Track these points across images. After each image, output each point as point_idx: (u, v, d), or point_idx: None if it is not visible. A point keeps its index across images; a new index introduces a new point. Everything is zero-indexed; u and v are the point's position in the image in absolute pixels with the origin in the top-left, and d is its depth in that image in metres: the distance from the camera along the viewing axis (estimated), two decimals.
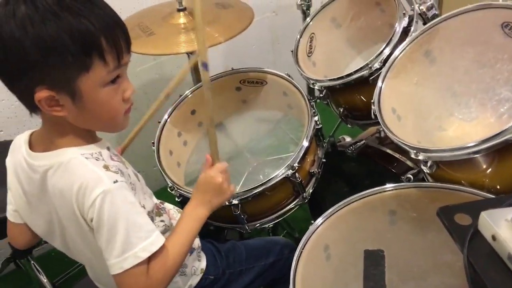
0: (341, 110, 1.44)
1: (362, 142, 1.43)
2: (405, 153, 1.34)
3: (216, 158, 1.07)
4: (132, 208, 0.83)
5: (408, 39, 1.18)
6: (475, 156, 0.94)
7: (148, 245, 0.82)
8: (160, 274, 0.85)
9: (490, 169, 0.99)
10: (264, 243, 1.30)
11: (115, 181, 0.81)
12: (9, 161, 0.94)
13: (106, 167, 0.83)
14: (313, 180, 1.33)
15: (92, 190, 0.79)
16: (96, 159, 0.84)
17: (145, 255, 0.82)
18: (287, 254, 1.25)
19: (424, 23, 1.27)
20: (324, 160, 1.35)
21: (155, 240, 0.84)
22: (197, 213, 0.97)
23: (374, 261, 0.96)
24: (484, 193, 0.95)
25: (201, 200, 1.00)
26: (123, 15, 1.54)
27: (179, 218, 0.99)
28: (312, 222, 1.02)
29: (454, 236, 0.76)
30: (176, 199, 1.27)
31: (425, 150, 0.98)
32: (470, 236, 0.74)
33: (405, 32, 1.26)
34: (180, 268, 1.01)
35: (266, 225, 1.32)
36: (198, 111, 1.52)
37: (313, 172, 1.30)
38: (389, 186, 1.06)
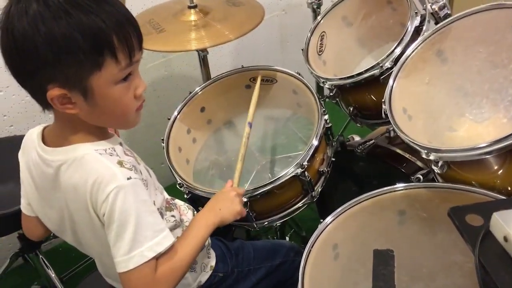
0: (351, 109, 1.43)
1: (371, 142, 1.43)
2: (415, 153, 1.35)
3: (238, 179, 1.18)
4: (143, 206, 0.83)
5: (420, 38, 1.18)
6: (487, 156, 0.93)
7: (154, 245, 0.82)
8: (166, 276, 0.85)
9: (501, 170, 0.98)
10: (270, 244, 1.32)
11: (129, 178, 0.81)
12: (21, 155, 0.95)
13: (120, 163, 0.83)
14: (322, 179, 1.33)
15: (106, 185, 0.79)
16: (110, 155, 0.84)
17: (151, 254, 0.82)
18: (293, 256, 1.27)
19: (436, 23, 1.26)
20: (333, 159, 1.35)
21: (162, 241, 0.84)
22: (206, 219, 1.00)
23: (383, 261, 0.96)
24: (495, 194, 0.94)
25: (211, 207, 1.04)
26: (133, 12, 1.56)
27: (190, 222, 1.02)
28: (322, 220, 1.02)
29: (465, 236, 0.76)
30: (185, 196, 1.27)
31: (436, 150, 0.97)
32: (481, 237, 0.73)
33: (417, 31, 1.25)
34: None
35: (274, 224, 1.32)
36: (208, 109, 1.52)
37: (322, 171, 1.30)
38: (399, 186, 1.05)
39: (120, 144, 0.91)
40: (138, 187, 0.83)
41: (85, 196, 0.82)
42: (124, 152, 0.89)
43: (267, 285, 1.25)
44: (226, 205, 1.05)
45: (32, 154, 0.90)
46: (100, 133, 0.88)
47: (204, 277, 1.11)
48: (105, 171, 0.81)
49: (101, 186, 0.80)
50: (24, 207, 1.00)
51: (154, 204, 0.91)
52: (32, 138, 0.91)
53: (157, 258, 0.84)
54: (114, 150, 0.86)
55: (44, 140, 0.89)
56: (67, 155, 0.84)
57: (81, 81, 0.77)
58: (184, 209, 1.12)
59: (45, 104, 0.81)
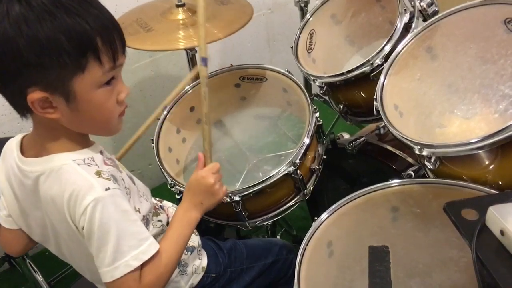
0: (341, 107, 1.44)
1: (362, 139, 1.43)
2: (405, 149, 1.35)
3: (209, 157, 1.07)
4: (124, 216, 0.81)
5: (410, 35, 1.18)
6: (479, 152, 0.94)
7: (140, 253, 0.82)
8: (153, 281, 0.84)
9: (493, 165, 0.99)
10: (263, 243, 1.31)
11: (107, 189, 0.80)
12: (0, 166, 0.92)
13: (98, 173, 0.81)
14: (314, 176, 1.32)
15: (83, 197, 0.78)
16: (88, 165, 0.82)
17: (137, 263, 0.81)
18: (286, 255, 1.26)
19: (424, 20, 1.27)
20: (324, 157, 1.35)
21: (147, 249, 0.83)
22: (188, 217, 0.97)
23: (378, 257, 0.96)
24: (488, 189, 0.95)
25: (192, 202, 1.00)
26: (120, 10, 1.54)
27: (171, 221, 0.98)
28: (316, 218, 1.02)
29: (461, 231, 0.76)
30: (176, 196, 1.25)
31: (429, 146, 0.97)
32: (477, 231, 0.74)
33: (406, 28, 1.25)
34: (176, 272, 1.01)
35: (267, 223, 1.31)
36: (197, 108, 1.50)
37: (314, 168, 1.30)
38: (391, 182, 1.06)
39: (101, 152, 0.89)
40: (117, 197, 0.81)
41: (63, 208, 0.80)
42: (103, 161, 0.87)
43: (261, 284, 1.25)
44: (207, 198, 1.01)
45: (11, 164, 0.88)
46: (80, 141, 0.86)
47: (196, 279, 1.10)
48: (82, 183, 0.79)
49: (78, 198, 0.78)
50: (3, 220, 0.97)
51: (139, 211, 0.90)
52: (11, 148, 0.89)
53: (142, 265, 0.83)
54: (93, 160, 0.84)
55: (23, 149, 0.87)
56: (45, 166, 0.82)
57: (64, 84, 0.75)
58: (173, 211, 1.10)
59: (24, 109, 0.79)
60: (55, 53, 0.72)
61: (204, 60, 1.01)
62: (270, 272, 1.24)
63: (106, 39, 0.76)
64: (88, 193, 0.78)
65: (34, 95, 0.74)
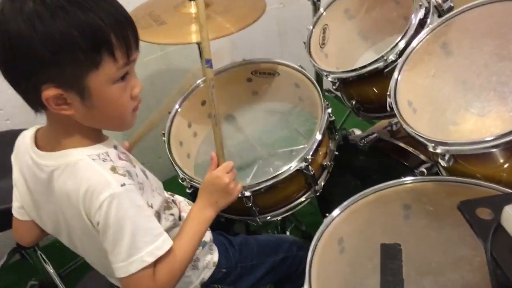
0: (353, 102, 1.42)
1: (374, 135, 1.42)
2: (418, 146, 1.34)
3: (221, 156, 1.08)
4: (139, 212, 0.82)
5: (425, 31, 1.17)
6: (494, 150, 0.93)
7: (155, 249, 0.82)
8: (166, 277, 0.85)
9: (507, 164, 0.98)
10: (273, 239, 1.31)
11: (123, 184, 0.80)
12: (14, 158, 0.93)
13: (113, 169, 0.81)
14: (325, 172, 1.32)
15: (99, 193, 0.78)
16: (103, 160, 0.82)
17: (151, 259, 0.81)
18: (296, 251, 1.26)
19: (439, 16, 1.26)
20: (336, 153, 1.34)
21: (162, 245, 0.83)
22: (204, 215, 0.98)
23: (391, 255, 0.95)
24: (502, 188, 0.93)
25: (208, 201, 1.00)
26: (133, 3, 1.54)
27: (186, 219, 0.99)
28: (327, 215, 1.01)
29: (476, 230, 0.75)
30: (187, 190, 1.26)
31: (443, 144, 0.96)
32: (492, 230, 0.73)
33: (421, 24, 1.24)
34: (188, 267, 1.01)
35: (276, 218, 1.31)
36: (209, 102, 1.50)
37: (326, 164, 1.29)
38: (404, 179, 1.04)
39: (115, 147, 0.89)
40: (132, 193, 0.81)
41: (78, 204, 0.80)
42: (118, 156, 0.87)
43: (271, 280, 1.25)
44: (223, 196, 1.02)
45: (25, 157, 0.88)
46: (94, 136, 0.86)
47: (207, 274, 1.10)
48: (98, 179, 0.79)
49: (94, 194, 0.78)
50: (16, 211, 0.98)
51: (152, 206, 0.90)
52: (25, 141, 0.89)
53: (156, 261, 0.83)
54: (108, 155, 0.84)
55: (37, 143, 0.87)
56: (60, 161, 0.82)
57: (78, 80, 0.75)
58: (185, 206, 1.11)
59: (38, 106, 0.79)
60: (69, 50, 0.72)
61: (209, 62, 1.02)
62: (280, 269, 1.24)
63: (120, 34, 0.75)
64: (104, 189, 0.78)
65: (49, 92, 0.74)
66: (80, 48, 0.72)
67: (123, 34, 0.76)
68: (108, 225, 0.79)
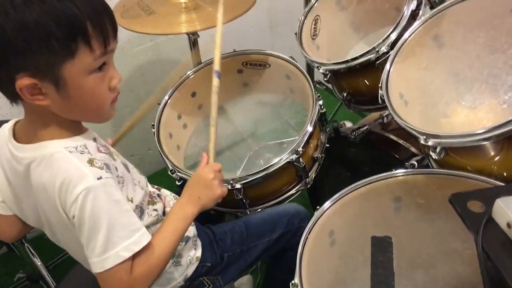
0: (345, 94, 1.42)
1: (365, 128, 1.41)
2: (409, 139, 1.34)
3: (212, 157, 1.10)
4: (115, 206, 0.80)
5: (417, 22, 1.16)
6: (485, 143, 0.93)
7: (131, 244, 0.80)
8: (144, 273, 0.83)
9: (498, 157, 0.98)
10: (269, 217, 1.22)
11: (99, 178, 0.78)
12: None
13: (90, 162, 0.79)
14: (316, 165, 1.31)
15: (74, 186, 0.76)
16: (81, 153, 0.80)
17: (127, 254, 0.79)
18: (297, 224, 1.19)
19: (431, 7, 1.25)
20: (327, 145, 1.33)
21: (138, 240, 0.81)
22: (185, 211, 0.95)
23: (381, 248, 0.95)
24: (493, 180, 0.94)
25: (190, 197, 0.98)
26: None
27: (167, 215, 0.97)
28: (318, 207, 1.00)
29: (467, 223, 0.75)
30: (177, 182, 1.24)
31: (435, 136, 0.96)
32: (484, 223, 0.72)
33: (413, 16, 1.23)
34: (169, 263, 0.99)
35: None
36: (199, 94, 1.49)
37: (316, 157, 1.29)
38: (396, 172, 1.04)
39: (94, 139, 0.87)
40: (109, 187, 0.79)
41: (54, 196, 0.78)
42: (97, 148, 0.85)
43: (264, 259, 1.23)
44: (205, 192, 0.99)
45: (4, 150, 0.86)
46: (72, 128, 0.84)
47: (190, 269, 1.08)
48: (74, 172, 0.77)
49: (69, 187, 0.76)
50: None
51: (132, 201, 0.89)
52: (4, 133, 0.87)
53: (134, 256, 0.81)
54: (86, 147, 0.82)
55: (15, 135, 0.85)
56: (36, 152, 0.80)
57: (53, 70, 0.73)
58: (170, 200, 1.08)
59: (13, 96, 0.77)
60: (43, 38, 0.70)
61: (217, 72, 1.15)
62: (276, 245, 1.19)
63: (96, 23, 0.74)
64: (79, 182, 0.76)
65: (23, 82, 0.72)
66: (55, 37, 0.70)
67: (100, 23, 0.74)
68: (83, 219, 0.77)
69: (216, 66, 1.16)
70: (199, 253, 1.10)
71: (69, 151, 0.79)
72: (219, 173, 1.04)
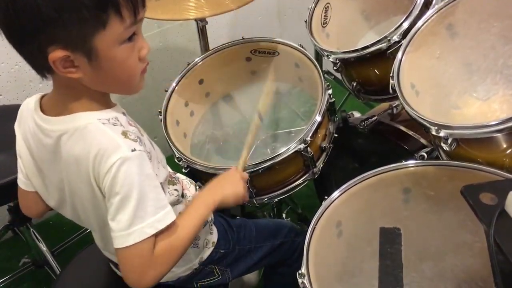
0: (354, 84, 1.40)
1: (374, 118, 1.40)
2: (418, 130, 1.32)
3: (242, 165, 1.14)
4: (147, 180, 0.79)
5: (430, 11, 1.14)
6: (498, 134, 0.91)
7: (155, 221, 0.79)
8: (165, 254, 0.82)
9: (511, 149, 0.96)
10: (272, 224, 1.29)
11: (133, 150, 0.77)
12: (18, 127, 0.90)
13: (124, 134, 0.79)
14: (324, 155, 1.30)
15: (109, 157, 0.75)
16: (114, 124, 0.80)
17: (152, 231, 0.78)
18: (293, 237, 1.25)
19: None
20: (335, 135, 1.32)
21: (163, 217, 0.80)
22: (208, 198, 0.95)
23: (390, 239, 0.94)
24: (504, 173, 0.92)
25: (214, 187, 1.00)
26: None
27: (191, 200, 0.98)
28: (326, 197, 0.99)
29: (479, 215, 0.73)
30: (183, 170, 1.23)
31: (447, 127, 0.94)
32: (496, 216, 0.71)
33: (426, 4, 1.21)
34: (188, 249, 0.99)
35: (273, 200, 1.29)
36: (206, 81, 1.47)
37: (324, 147, 1.27)
38: (406, 163, 1.03)
39: (123, 113, 0.87)
40: (142, 160, 0.79)
41: (87, 168, 0.78)
42: (128, 122, 0.85)
43: (266, 263, 1.24)
44: (230, 186, 1.01)
45: (29, 124, 0.85)
46: (103, 101, 0.84)
47: (206, 253, 1.09)
48: (109, 142, 0.77)
49: (103, 157, 0.76)
50: (22, 182, 0.96)
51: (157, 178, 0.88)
52: (29, 108, 0.86)
53: (156, 235, 0.80)
54: (118, 120, 0.82)
55: (42, 109, 0.84)
56: (68, 125, 0.79)
57: (85, 41, 0.72)
58: (187, 184, 1.09)
59: (44, 70, 0.76)
60: (74, 8, 0.69)
61: (260, 116, 1.25)
62: (277, 253, 1.23)
63: None
64: (114, 152, 0.76)
65: (56, 54, 0.71)
66: (86, 7, 0.69)
67: None
68: (114, 189, 0.76)
69: (263, 111, 1.27)
70: (215, 238, 1.11)
71: (102, 123, 0.79)
72: (245, 182, 1.07)
